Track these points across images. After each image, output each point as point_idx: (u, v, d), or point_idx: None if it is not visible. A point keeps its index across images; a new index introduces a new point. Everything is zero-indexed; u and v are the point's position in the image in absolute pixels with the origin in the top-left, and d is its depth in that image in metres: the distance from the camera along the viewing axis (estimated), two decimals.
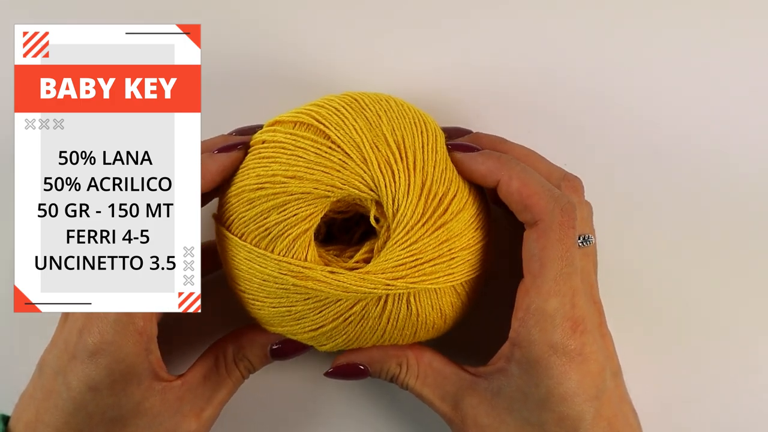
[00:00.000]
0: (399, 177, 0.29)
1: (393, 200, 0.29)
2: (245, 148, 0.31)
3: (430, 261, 0.30)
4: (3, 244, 0.37)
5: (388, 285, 0.29)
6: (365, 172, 0.29)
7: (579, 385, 0.28)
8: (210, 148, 0.32)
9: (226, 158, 0.31)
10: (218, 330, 0.35)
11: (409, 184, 0.29)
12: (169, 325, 0.35)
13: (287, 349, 0.32)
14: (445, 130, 0.32)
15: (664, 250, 0.37)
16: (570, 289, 0.29)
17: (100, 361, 0.28)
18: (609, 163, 0.37)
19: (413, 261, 0.29)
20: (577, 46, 0.37)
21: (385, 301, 0.30)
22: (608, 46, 0.37)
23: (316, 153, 0.30)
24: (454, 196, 0.30)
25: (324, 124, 0.30)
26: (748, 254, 0.37)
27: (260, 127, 0.32)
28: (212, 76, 0.37)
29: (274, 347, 0.32)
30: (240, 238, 0.30)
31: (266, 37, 0.38)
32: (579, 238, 0.31)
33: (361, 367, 0.32)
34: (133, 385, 0.29)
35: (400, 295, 0.30)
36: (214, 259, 0.33)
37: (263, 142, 0.31)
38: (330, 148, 0.30)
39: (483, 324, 0.34)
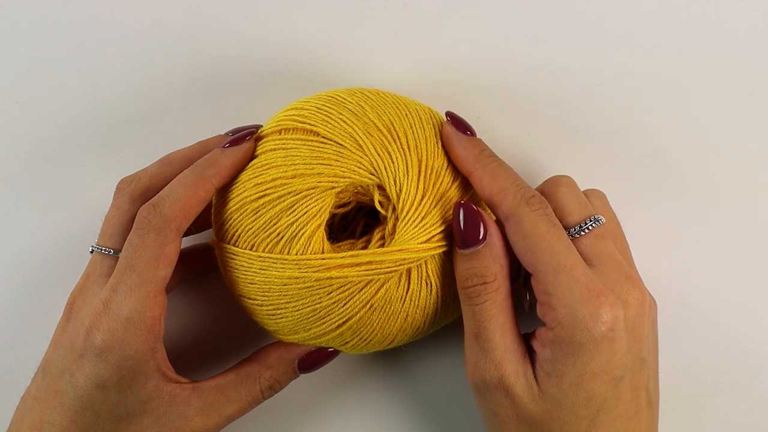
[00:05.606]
0: (396, 158, 0.30)
1: (395, 181, 0.30)
2: (253, 139, 0.31)
3: (441, 233, 0.30)
4: (3, 244, 0.37)
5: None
6: (363, 158, 0.30)
7: (608, 363, 0.27)
8: (209, 147, 0.31)
9: (238, 151, 0.31)
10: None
11: (407, 164, 0.30)
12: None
13: (314, 357, 0.32)
14: (452, 116, 0.32)
15: (665, 250, 0.37)
16: (573, 263, 0.28)
17: (109, 359, 0.28)
18: (608, 163, 0.38)
19: (427, 236, 0.30)
20: (576, 47, 0.38)
21: (408, 280, 0.30)
22: (608, 47, 0.38)
23: (310, 149, 0.30)
24: (447, 166, 0.31)
25: (310, 124, 0.30)
26: (746, 254, 0.37)
27: (256, 128, 0.32)
28: (210, 77, 0.38)
29: (302, 359, 0.32)
30: (251, 250, 0.30)
31: (264, 38, 0.38)
32: (588, 221, 0.30)
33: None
34: (139, 383, 0.29)
35: (419, 271, 0.30)
36: (210, 259, 0.33)
37: (254, 157, 0.31)
38: (322, 142, 0.30)
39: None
